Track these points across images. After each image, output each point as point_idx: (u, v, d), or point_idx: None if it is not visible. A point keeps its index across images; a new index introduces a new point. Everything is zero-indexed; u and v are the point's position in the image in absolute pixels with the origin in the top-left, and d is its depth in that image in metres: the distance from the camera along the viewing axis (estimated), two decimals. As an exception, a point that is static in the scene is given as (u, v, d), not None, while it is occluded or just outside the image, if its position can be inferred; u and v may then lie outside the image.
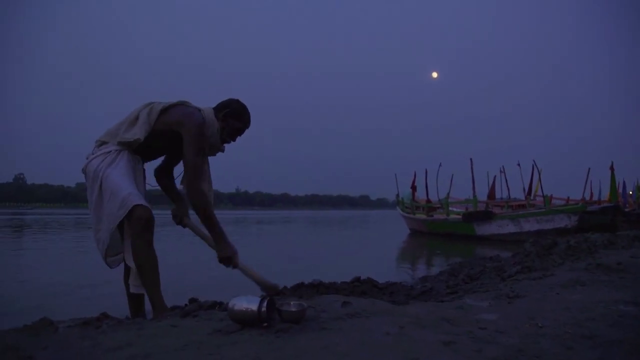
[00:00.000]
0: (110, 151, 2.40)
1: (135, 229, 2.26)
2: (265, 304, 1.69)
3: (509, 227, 13.28)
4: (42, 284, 4.80)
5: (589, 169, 15.75)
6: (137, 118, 2.45)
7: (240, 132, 2.65)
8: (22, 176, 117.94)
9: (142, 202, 2.28)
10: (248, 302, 1.69)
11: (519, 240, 10.72)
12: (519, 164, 15.89)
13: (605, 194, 18.04)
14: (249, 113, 2.66)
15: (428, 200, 17.66)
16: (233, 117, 2.59)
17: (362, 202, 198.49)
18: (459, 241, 13.08)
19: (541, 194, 14.48)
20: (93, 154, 2.45)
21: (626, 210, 16.16)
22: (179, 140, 2.39)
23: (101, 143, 2.49)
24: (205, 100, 2.70)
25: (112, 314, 2.24)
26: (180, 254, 7.71)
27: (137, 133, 2.40)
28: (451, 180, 16.69)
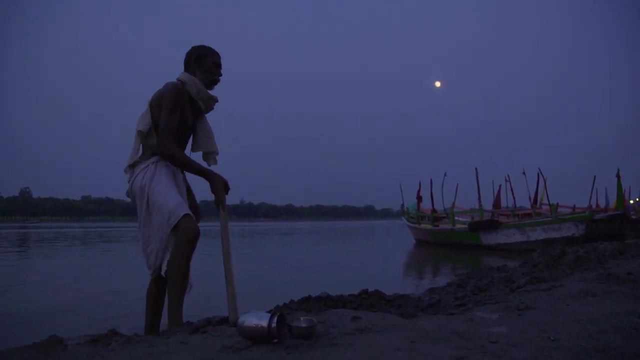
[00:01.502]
0: (148, 165, 2.42)
1: (180, 240, 2.28)
2: (275, 320, 1.68)
3: (515, 236, 13.21)
4: (50, 300, 4.80)
5: (595, 176, 15.70)
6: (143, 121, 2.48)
7: (217, 64, 2.62)
8: (28, 190, 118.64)
9: (190, 212, 2.33)
10: (258, 319, 1.69)
11: (526, 250, 10.66)
12: (524, 172, 15.87)
13: (612, 202, 17.93)
14: (209, 46, 2.64)
15: (433, 210, 17.62)
16: (202, 58, 2.58)
17: (366, 213, 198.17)
18: (466, 251, 13.02)
19: (547, 202, 14.42)
20: (133, 175, 2.46)
21: (633, 217, 16.06)
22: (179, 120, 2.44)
23: (134, 163, 2.48)
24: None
25: (121, 330, 2.24)
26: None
27: (140, 126, 2.45)
28: (456, 190, 16.70)
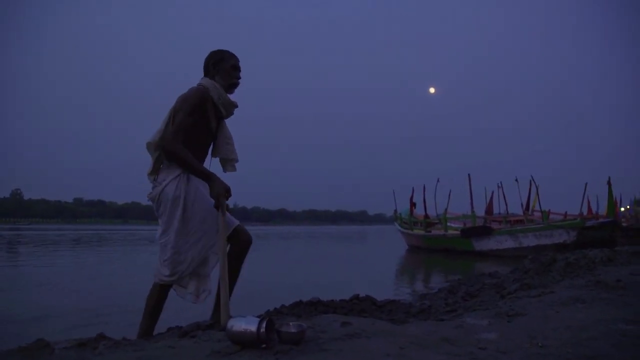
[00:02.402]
0: (179, 174, 2.41)
1: (240, 248, 2.50)
2: (264, 324, 1.67)
3: (507, 243, 13.26)
4: (37, 302, 4.76)
5: (586, 183, 15.80)
6: (159, 129, 2.48)
7: (236, 67, 2.62)
8: (19, 191, 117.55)
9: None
10: (247, 323, 1.68)
11: (518, 256, 10.69)
12: (516, 179, 15.96)
13: (603, 209, 18.07)
14: (226, 50, 2.64)
15: (426, 216, 17.66)
16: (220, 62, 2.58)
17: (360, 218, 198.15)
18: (458, 257, 13.04)
19: (539, 209, 14.50)
20: (160, 180, 2.45)
21: (624, 225, 16.18)
22: (198, 123, 2.45)
23: (157, 166, 2.51)
24: None
25: (109, 334, 2.22)
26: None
27: (150, 137, 2.46)
28: (449, 196, 16.76)
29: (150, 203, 2.51)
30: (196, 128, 2.44)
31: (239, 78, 2.63)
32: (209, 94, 2.48)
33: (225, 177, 2.44)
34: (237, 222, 2.49)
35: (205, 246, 2.43)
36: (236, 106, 2.63)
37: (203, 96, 2.44)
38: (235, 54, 2.66)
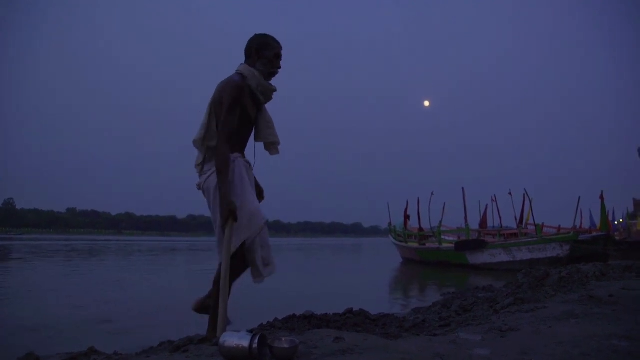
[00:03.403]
0: None
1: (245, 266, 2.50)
2: (256, 340, 1.67)
3: (501, 257, 13.27)
4: (29, 315, 4.71)
5: (579, 197, 15.89)
6: (202, 124, 2.55)
7: (278, 55, 2.63)
8: (11, 201, 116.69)
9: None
10: (239, 339, 1.67)
11: (512, 270, 10.70)
12: (510, 193, 16.03)
13: (597, 223, 18.17)
14: (271, 36, 2.65)
15: (420, 229, 17.67)
16: (264, 49, 2.59)
17: (354, 230, 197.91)
18: (452, 270, 13.04)
19: (533, 223, 14.55)
20: (206, 170, 2.54)
21: (617, 239, 16.26)
22: (240, 115, 2.51)
23: (204, 158, 2.58)
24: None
25: (100, 348, 2.20)
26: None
27: (196, 135, 2.54)
28: (443, 209, 16.78)
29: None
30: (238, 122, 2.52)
31: (280, 67, 2.65)
32: (246, 83, 2.51)
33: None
34: (264, 220, 2.49)
35: (242, 240, 2.43)
36: (275, 90, 2.65)
37: (239, 90, 2.47)
38: (279, 41, 2.66)
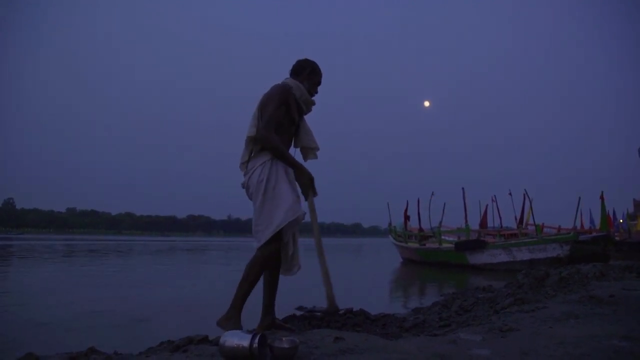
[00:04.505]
0: (265, 162, 2.72)
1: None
2: (256, 340, 1.66)
3: (501, 257, 13.27)
4: (29, 314, 4.70)
5: (580, 197, 15.90)
6: (252, 124, 2.78)
7: (320, 83, 3.06)
8: (11, 201, 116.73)
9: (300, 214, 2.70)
10: (239, 339, 1.67)
11: (512, 270, 10.70)
12: (510, 193, 16.03)
13: (597, 223, 18.18)
14: (318, 66, 3.06)
15: (420, 229, 17.67)
16: (314, 73, 3.01)
17: (354, 230, 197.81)
18: (452, 270, 13.03)
19: (533, 223, 14.55)
20: (250, 168, 2.76)
21: (617, 239, 16.26)
22: (284, 115, 2.80)
23: (249, 158, 2.79)
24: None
25: (100, 348, 2.20)
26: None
27: (248, 132, 2.76)
28: (443, 209, 16.79)
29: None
30: (282, 120, 2.79)
31: (317, 92, 3.06)
32: (292, 91, 2.85)
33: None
34: (300, 213, 2.71)
35: (279, 226, 2.61)
36: (314, 104, 3.04)
37: (287, 92, 2.81)
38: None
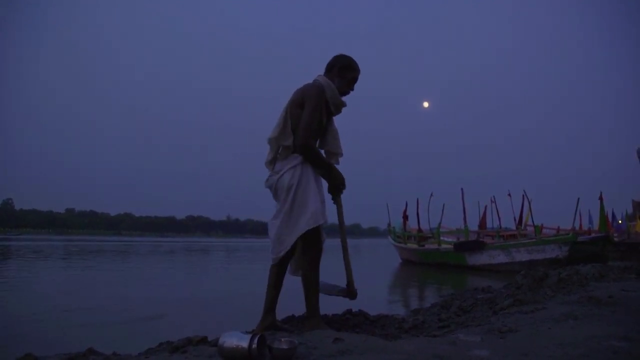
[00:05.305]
0: (296, 165, 2.66)
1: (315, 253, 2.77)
2: (255, 341, 1.66)
3: (500, 257, 13.28)
4: (26, 315, 4.70)
5: (579, 198, 15.90)
6: (277, 124, 2.71)
7: (355, 79, 2.88)
8: (10, 201, 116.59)
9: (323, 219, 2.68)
10: (238, 339, 1.67)
11: (511, 271, 10.70)
12: (509, 194, 16.04)
13: (596, 224, 18.18)
14: (355, 60, 2.88)
15: (419, 230, 17.68)
16: (346, 69, 2.82)
17: (353, 231, 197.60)
18: (451, 271, 13.04)
19: (532, 224, 14.56)
20: (277, 169, 2.71)
21: (616, 240, 16.27)
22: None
23: (275, 156, 2.75)
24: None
25: (98, 348, 2.20)
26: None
27: (271, 133, 2.71)
28: (442, 210, 16.79)
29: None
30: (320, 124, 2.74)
31: (353, 90, 2.90)
32: (324, 91, 2.71)
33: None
34: (321, 221, 2.69)
35: (301, 232, 2.61)
36: (345, 105, 2.88)
37: (322, 93, 2.69)
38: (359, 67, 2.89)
